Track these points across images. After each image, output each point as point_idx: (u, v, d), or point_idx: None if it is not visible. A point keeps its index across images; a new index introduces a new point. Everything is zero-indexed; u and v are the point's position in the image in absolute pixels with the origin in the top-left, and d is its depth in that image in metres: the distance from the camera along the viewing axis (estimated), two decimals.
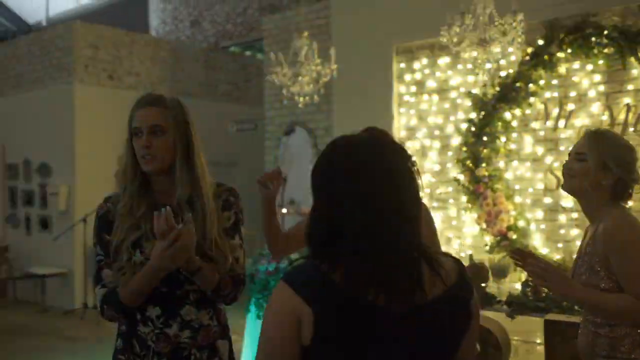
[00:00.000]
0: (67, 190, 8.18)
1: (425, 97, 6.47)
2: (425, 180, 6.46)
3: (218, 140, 9.44)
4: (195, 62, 9.82)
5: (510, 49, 3.71)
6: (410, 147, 6.55)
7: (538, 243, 5.59)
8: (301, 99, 5.05)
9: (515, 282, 4.25)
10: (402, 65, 6.65)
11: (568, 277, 2.08)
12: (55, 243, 7.89)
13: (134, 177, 2.03)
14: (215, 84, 10.09)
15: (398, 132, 6.65)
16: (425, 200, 6.37)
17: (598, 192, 2.11)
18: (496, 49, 3.67)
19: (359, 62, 6.87)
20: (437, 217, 6.34)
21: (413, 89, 6.56)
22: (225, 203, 2.12)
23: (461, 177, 6.03)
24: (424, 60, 6.50)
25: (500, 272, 3.97)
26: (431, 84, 6.43)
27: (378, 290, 1.23)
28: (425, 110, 6.48)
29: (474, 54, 3.81)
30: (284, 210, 7.55)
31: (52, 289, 8.24)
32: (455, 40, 3.83)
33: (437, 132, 6.39)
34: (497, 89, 5.82)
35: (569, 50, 5.47)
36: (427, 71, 6.47)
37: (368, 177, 1.26)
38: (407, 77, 6.60)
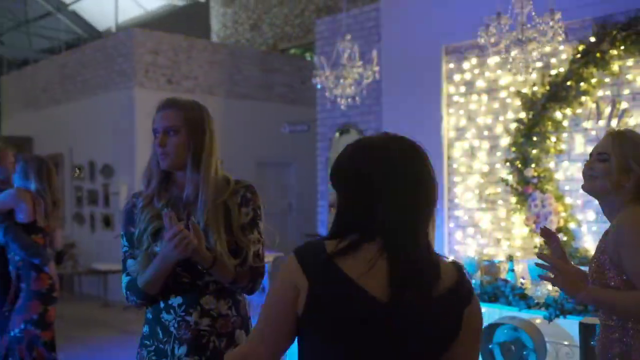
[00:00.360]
0: (127, 190, 8.53)
1: (475, 97, 6.42)
2: (474, 181, 6.41)
3: (273, 141, 9.64)
4: (252, 64, 10.03)
5: (548, 48, 3.65)
6: (459, 147, 6.52)
7: (589, 245, 5.46)
8: (343, 100, 5.09)
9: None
10: (451, 65, 6.62)
11: (578, 278, 2.05)
12: (116, 240, 8.22)
13: (156, 173, 2.19)
14: (272, 86, 10.28)
15: (447, 132, 6.62)
16: (474, 202, 6.34)
17: (620, 192, 2.08)
18: (533, 48, 3.62)
19: (408, 63, 6.87)
20: (486, 218, 6.28)
21: (462, 89, 6.52)
22: (243, 199, 2.22)
23: (510, 178, 5.96)
24: (474, 60, 6.44)
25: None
26: (480, 83, 6.37)
27: (388, 283, 1.30)
28: (474, 111, 6.43)
29: (513, 53, 3.77)
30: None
31: (114, 284, 8.61)
32: (492, 41, 3.80)
33: (486, 133, 6.32)
34: (547, 88, 5.73)
35: (622, 47, 5.32)
36: (476, 71, 6.41)
37: (398, 176, 1.35)
38: (456, 77, 6.56)
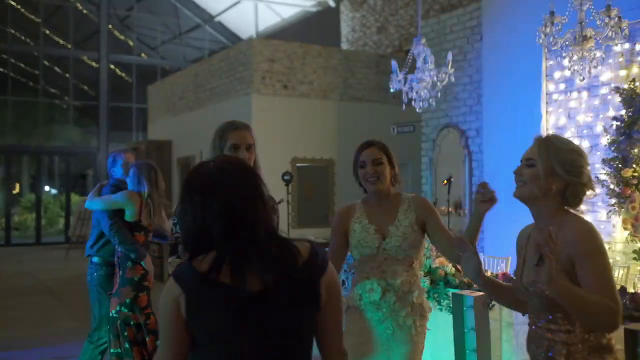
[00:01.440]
0: None
1: (575, 94, 6.19)
2: None
3: (387, 142, 9.81)
4: (366, 68, 10.29)
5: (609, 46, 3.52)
6: None
7: None
8: (420, 103, 5.20)
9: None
10: (551, 62, 6.42)
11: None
12: None
13: None
14: (386, 88, 10.45)
15: (546, 131, 6.43)
16: None
17: (548, 198, 2.10)
18: (592, 46, 3.53)
19: (508, 61, 6.77)
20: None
21: (562, 86, 6.31)
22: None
23: (607, 179, 5.68)
24: (574, 56, 6.20)
25: None
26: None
27: (234, 273, 1.55)
28: (574, 108, 6.20)
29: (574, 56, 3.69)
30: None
31: None
32: (551, 40, 3.75)
33: (585, 131, 6.08)
34: None
35: None
36: (576, 67, 6.17)
37: (219, 193, 1.61)
38: (557, 74, 6.36)
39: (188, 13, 21.96)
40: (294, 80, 9.57)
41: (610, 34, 3.46)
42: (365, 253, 3.00)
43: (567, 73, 6.27)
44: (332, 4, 17.31)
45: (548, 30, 3.62)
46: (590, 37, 3.50)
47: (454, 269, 5.03)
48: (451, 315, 4.72)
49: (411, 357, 2.98)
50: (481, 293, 4.52)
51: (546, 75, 6.46)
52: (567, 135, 6.23)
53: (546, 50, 6.47)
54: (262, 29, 20.70)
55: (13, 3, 19.00)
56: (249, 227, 1.61)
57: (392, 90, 5.39)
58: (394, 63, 5.36)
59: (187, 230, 1.66)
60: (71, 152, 19.74)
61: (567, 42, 3.64)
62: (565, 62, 6.25)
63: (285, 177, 8.05)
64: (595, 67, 3.75)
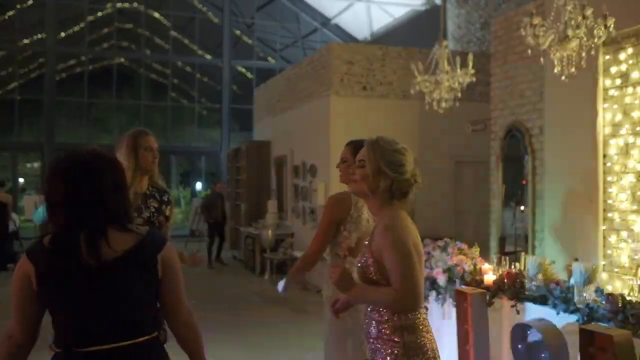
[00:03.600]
0: (324, 187, 9.58)
1: (630, 89, 5.93)
2: (627, 181, 5.92)
3: (468, 140, 9.77)
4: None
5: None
6: (615, 145, 6.06)
7: None
8: (443, 104, 5.28)
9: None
10: (608, 57, 6.18)
11: (349, 279, 2.41)
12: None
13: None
14: (473, 86, 10.36)
15: (602, 129, 6.20)
16: (627, 203, 5.87)
17: (377, 194, 2.36)
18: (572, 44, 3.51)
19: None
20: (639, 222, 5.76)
21: (618, 81, 6.06)
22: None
23: None
24: (630, 50, 5.95)
25: (584, 279, 3.75)
26: (636, 75, 5.86)
27: (76, 249, 1.92)
28: (629, 104, 5.94)
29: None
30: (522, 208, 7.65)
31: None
32: (539, 39, 3.76)
33: (639, 128, 5.80)
34: None
35: None
36: (631, 61, 5.92)
37: (69, 178, 1.97)
38: (613, 69, 6.12)
39: (307, 17, 22.77)
40: (373, 81, 9.81)
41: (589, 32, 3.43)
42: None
43: (623, 67, 6.03)
44: (438, 1, 17.20)
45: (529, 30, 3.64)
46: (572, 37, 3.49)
47: (472, 266, 5.11)
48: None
49: None
50: (480, 290, 4.60)
51: (603, 70, 6.23)
52: (623, 132, 5.98)
53: (602, 44, 6.23)
54: (375, 29, 21.00)
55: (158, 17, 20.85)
56: (90, 209, 1.95)
57: (412, 91, 5.52)
58: (412, 65, 5.49)
59: (47, 209, 2.03)
60: (197, 151, 21.39)
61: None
62: (621, 55, 6.05)
63: None
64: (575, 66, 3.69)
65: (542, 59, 5.15)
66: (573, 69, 3.77)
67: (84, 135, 19.14)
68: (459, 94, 5.60)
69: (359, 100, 9.69)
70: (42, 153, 18.72)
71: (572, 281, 4.13)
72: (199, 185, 23.93)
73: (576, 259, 4.00)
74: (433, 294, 5.15)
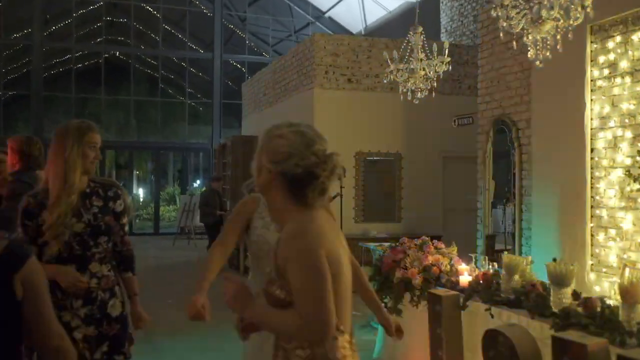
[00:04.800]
0: None
1: (619, 80, 5.63)
2: (615, 176, 5.63)
3: (456, 133, 9.47)
4: None
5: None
6: (603, 138, 5.77)
7: None
8: (418, 94, 4.99)
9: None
10: (596, 46, 5.89)
11: (247, 296, 1.90)
12: None
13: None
14: (461, 79, 10.09)
15: (589, 121, 5.90)
16: (614, 200, 5.57)
17: (270, 194, 1.90)
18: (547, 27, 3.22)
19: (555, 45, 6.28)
20: (628, 219, 5.47)
21: (606, 71, 5.76)
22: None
23: None
24: (618, 38, 5.65)
25: (560, 281, 3.47)
26: (624, 64, 5.57)
27: None
28: (618, 96, 5.64)
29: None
30: None
31: None
32: (511, 21, 3.47)
33: (627, 120, 5.51)
34: None
35: None
36: (620, 50, 5.62)
37: None
38: (601, 58, 5.82)
39: (300, 11, 22.47)
40: (359, 74, 9.51)
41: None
42: (265, 249, 2.97)
43: (612, 57, 5.74)
44: None
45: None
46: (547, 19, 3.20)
47: (448, 266, 4.83)
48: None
49: None
50: (454, 292, 4.31)
51: (591, 60, 5.93)
52: (611, 124, 5.69)
53: (589, 33, 5.94)
54: (370, 22, 20.68)
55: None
56: None
57: (384, 81, 5.22)
58: (385, 53, 5.20)
59: None
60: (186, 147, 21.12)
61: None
62: (610, 44, 5.75)
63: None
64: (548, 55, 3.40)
65: (514, 44, 4.85)
66: (548, 53, 3.47)
67: None
68: (435, 84, 5.29)
69: (344, 94, 9.39)
70: None
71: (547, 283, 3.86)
72: (197, 183, 23.70)
73: (554, 259, 3.71)
74: (407, 295, 4.88)
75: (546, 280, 4.06)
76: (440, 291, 4.30)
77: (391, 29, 19.07)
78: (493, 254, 6.90)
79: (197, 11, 21.65)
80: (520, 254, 6.86)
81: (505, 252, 5.54)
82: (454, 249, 4.95)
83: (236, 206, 3.11)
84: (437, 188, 9.98)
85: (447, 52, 4.91)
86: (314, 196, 1.86)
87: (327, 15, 22.21)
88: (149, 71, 21.93)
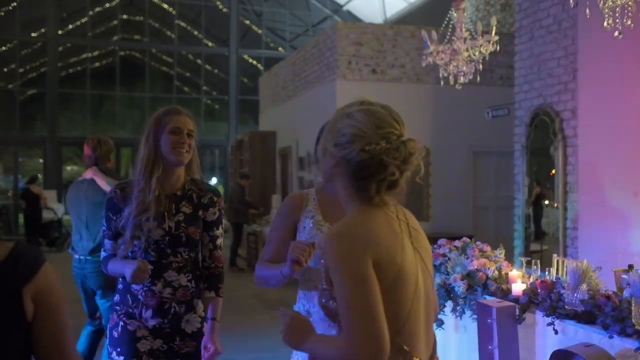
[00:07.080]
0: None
1: None
2: None
3: (487, 126, 8.94)
4: None
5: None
6: None
7: None
8: (461, 79, 4.45)
9: None
10: None
11: (304, 327, 1.61)
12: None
13: (157, 167, 2.50)
14: (492, 69, 9.51)
15: None
16: None
17: (337, 184, 1.57)
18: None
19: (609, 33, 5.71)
20: None
21: None
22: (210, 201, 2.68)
23: None
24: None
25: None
26: None
27: None
28: None
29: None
30: None
31: None
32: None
33: None
34: None
35: None
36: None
37: None
38: None
39: (317, 4, 21.96)
40: (384, 64, 8.98)
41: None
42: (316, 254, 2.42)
43: None
44: None
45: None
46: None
47: (496, 271, 4.28)
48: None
49: None
50: (508, 303, 3.78)
51: None
52: None
53: None
54: (389, 15, 20.11)
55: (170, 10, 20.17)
56: None
57: (423, 65, 4.69)
58: (423, 33, 4.65)
59: None
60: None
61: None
62: None
63: None
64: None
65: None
66: (630, 22, 2.93)
67: (88, 129, 18.51)
68: (481, 67, 4.75)
69: (368, 85, 8.86)
70: (44, 148, 18.19)
71: (626, 294, 3.31)
72: (214, 180, 23.31)
73: (631, 266, 3.17)
74: (450, 304, 4.35)
75: (611, 290, 3.53)
76: (491, 301, 3.76)
77: (412, 22, 18.43)
78: (528, 255, 6.39)
79: (212, 7, 21.25)
80: (565, 256, 6.31)
81: (555, 256, 5.00)
82: (502, 252, 4.40)
83: (280, 208, 2.56)
84: (468, 184, 9.43)
85: (494, 30, 4.36)
86: (380, 190, 1.50)
87: (345, 8, 21.68)
88: (164, 69, 21.60)
